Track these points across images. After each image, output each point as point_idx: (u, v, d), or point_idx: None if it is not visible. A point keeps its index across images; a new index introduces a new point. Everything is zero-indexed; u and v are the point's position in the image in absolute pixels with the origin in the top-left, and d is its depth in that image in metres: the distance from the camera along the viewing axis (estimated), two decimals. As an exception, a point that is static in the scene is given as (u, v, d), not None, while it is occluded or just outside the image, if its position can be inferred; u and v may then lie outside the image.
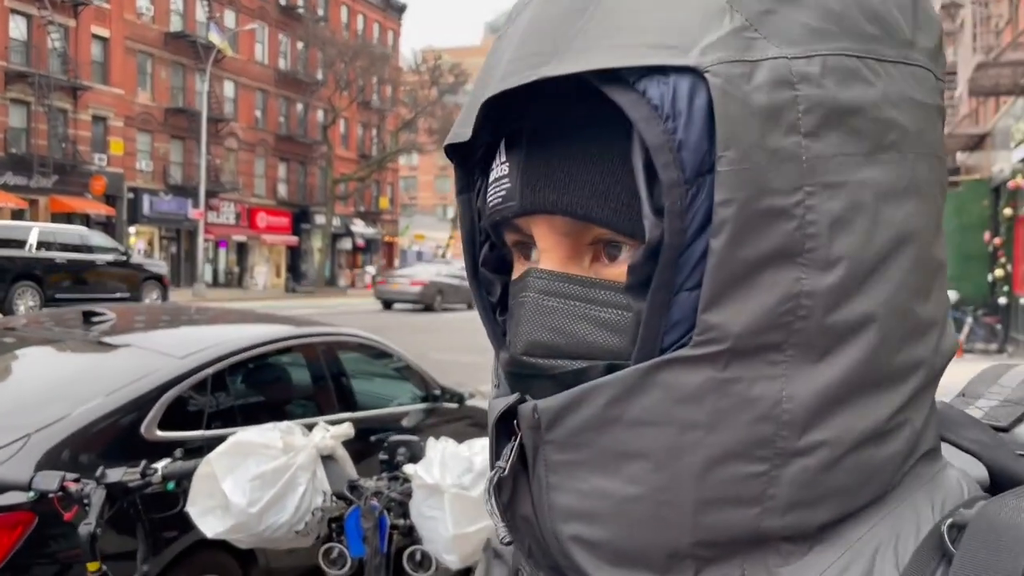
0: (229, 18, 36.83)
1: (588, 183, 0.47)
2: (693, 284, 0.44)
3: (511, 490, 0.50)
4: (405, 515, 2.12)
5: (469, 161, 0.55)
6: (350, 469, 2.19)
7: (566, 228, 0.49)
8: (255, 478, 1.96)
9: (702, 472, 0.44)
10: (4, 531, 2.65)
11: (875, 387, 0.46)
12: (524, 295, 0.50)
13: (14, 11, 28.03)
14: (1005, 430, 0.57)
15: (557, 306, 0.49)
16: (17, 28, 28.33)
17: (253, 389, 3.97)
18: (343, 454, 2.18)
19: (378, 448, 3.42)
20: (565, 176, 0.47)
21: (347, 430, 2.23)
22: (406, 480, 2.18)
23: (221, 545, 3.26)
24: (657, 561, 0.46)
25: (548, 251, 0.50)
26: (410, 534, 2.14)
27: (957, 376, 0.63)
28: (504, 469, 0.49)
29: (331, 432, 2.19)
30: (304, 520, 2.01)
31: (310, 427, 2.38)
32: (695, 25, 0.43)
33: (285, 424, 2.21)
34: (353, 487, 2.13)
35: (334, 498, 2.09)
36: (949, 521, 0.45)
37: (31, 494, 2.20)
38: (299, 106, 42.28)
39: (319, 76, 42.08)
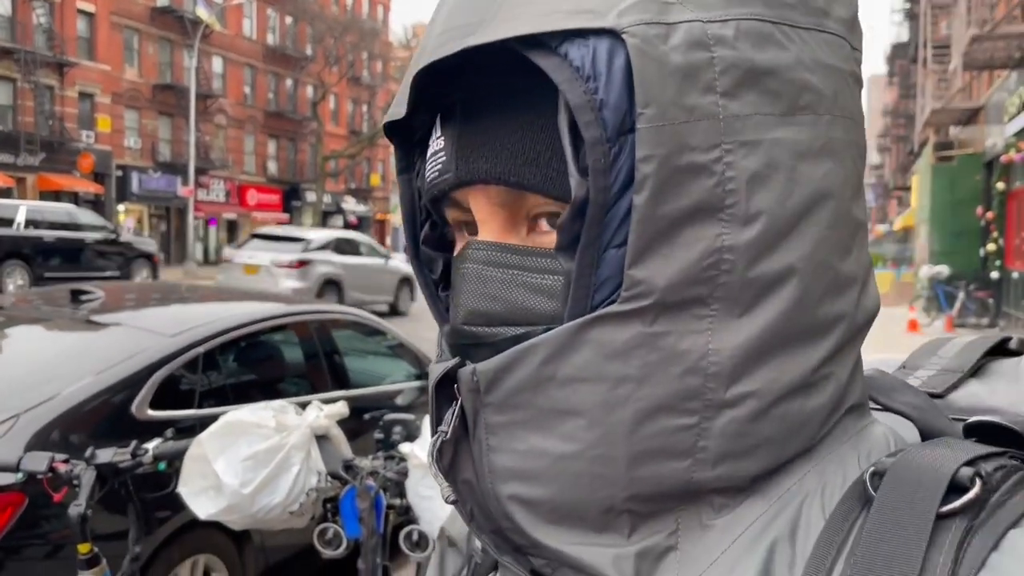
0: (216, -8, 36.39)
1: (521, 150, 0.48)
2: (620, 241, 0.45)
3: (452, 454, 0.51)
4: (401, 495, 2.09)
5: (409, 141, 0.56)
6: (345, 449, 2.16)
7: (501, 198, 0.50)
8: (248, 458, 1.93)
9: (634, 426, 0.45)
10: (-6, 512, 2.62)
11: (798, 339, 0.47)
12: (464, 266, 0.51)
13: (-3, -14, 27.62)
14: (940, 396, 0.59)
15: (495, 275, 0.50)
16: (1, 4, 27.93)
17: (245, 367, 3.93)
18: (338, 433, 2.15)
19: (372, 426, 3.40)
20: (498, 144, 0.49)
21: (341, 409, 2.20)
22: (402, 459, 2.15)
23: (215, 524, 3.24)
24: (594, 517, 0.47)
25: (485, 222, 0.51)
26: (406, 514, 2.12)
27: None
28: (447, 433, 0.50)
29: (325, 411, 2.16)
30: (299, 501, 1.98)
31: (304, 406, 2.36)
32: None
33: (278, 403, 2.18)
34: (348, 467, 2.10)
35: (329, 478, 2.06)
36: (871, 469, 0.47)
37: (20, 475, 2.17)
38: (288, 82, 41.94)
39: (308, 51, 41.70)
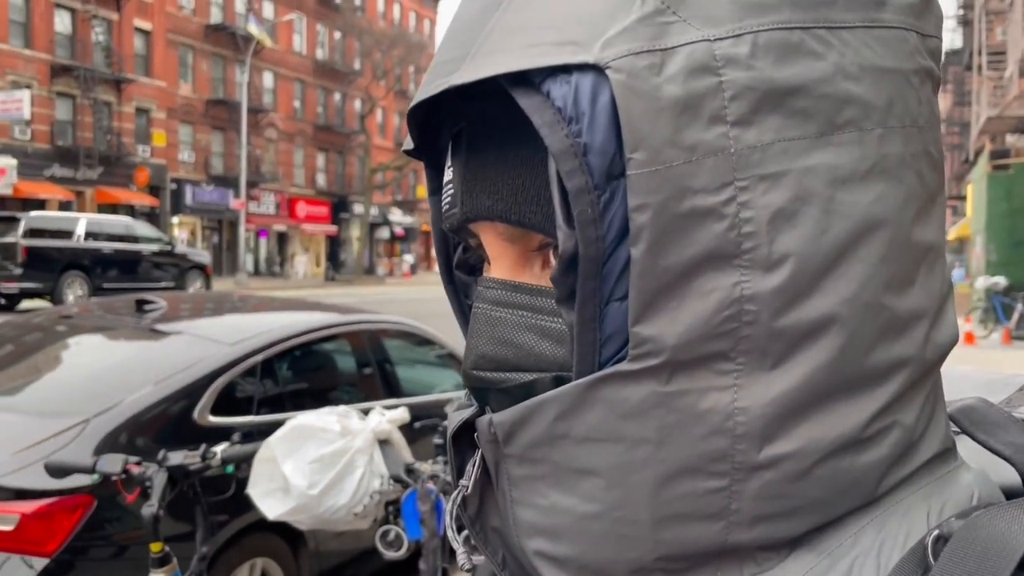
0: (267, 9, 37.16)
1: (521, 188, 0.45)
2: (621, 294, 0.41)
3: (478, 503, 0.50)
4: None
5: (439, 160, 0.52)
6: (406, 453, 2.22)
7: (509, 234, 0.47)
8: (314, 461, 2.00)
9: (656, 489, 0.42)
10: (65, 514, 2.73)
11: (845, 392, 0.42)
12: (476, 306, 0.49)
13: (59, 5, 28.53)
14: None
15: (505, 317, 0.47)
16: (62, 22, 28.85)
17: (300, 375, 4.03)
18: (399, 438, 2.21)
19: (422, 435, 3.46)
20: (500, 181, 0.45)
21: (403, 415, 2.26)
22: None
23: (272, 528, 3.33)
24: None
25: (496, 258, 0.48)
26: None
27: (1005, 364, 0.57)
28: (467, 487, 0.49)
29: (387, 416, 2.22)
30: (363, 503, 2.04)
31: (363, 412, 2.42)
32: (602, 15, 0.39)
33: (342, 408, 2.25)
34: (409, 470, 2.15)
35: (391, 481, 2.12)
36: (936, 532, 0.41)
37: (95, 477, 2.26)
38: (337, 96, 42.59)
39: (356, 66, 42.35)
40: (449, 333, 5.03)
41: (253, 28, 32.93)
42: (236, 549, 3.29)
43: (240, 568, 3.34)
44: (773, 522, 0.42)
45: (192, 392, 3.26)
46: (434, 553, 2.08)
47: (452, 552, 2.25)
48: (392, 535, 2.12)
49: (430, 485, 2.11)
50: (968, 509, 0.43)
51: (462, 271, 0.55)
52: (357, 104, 43.47)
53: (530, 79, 0.40)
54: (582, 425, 0.42)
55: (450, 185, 0.49)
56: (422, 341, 4.82)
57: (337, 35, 41.78)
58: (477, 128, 0.47)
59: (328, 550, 3.70)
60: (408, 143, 0.51)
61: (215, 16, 35.15)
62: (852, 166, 0.41)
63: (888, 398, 0.43)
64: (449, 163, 0.49)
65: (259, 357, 3.58)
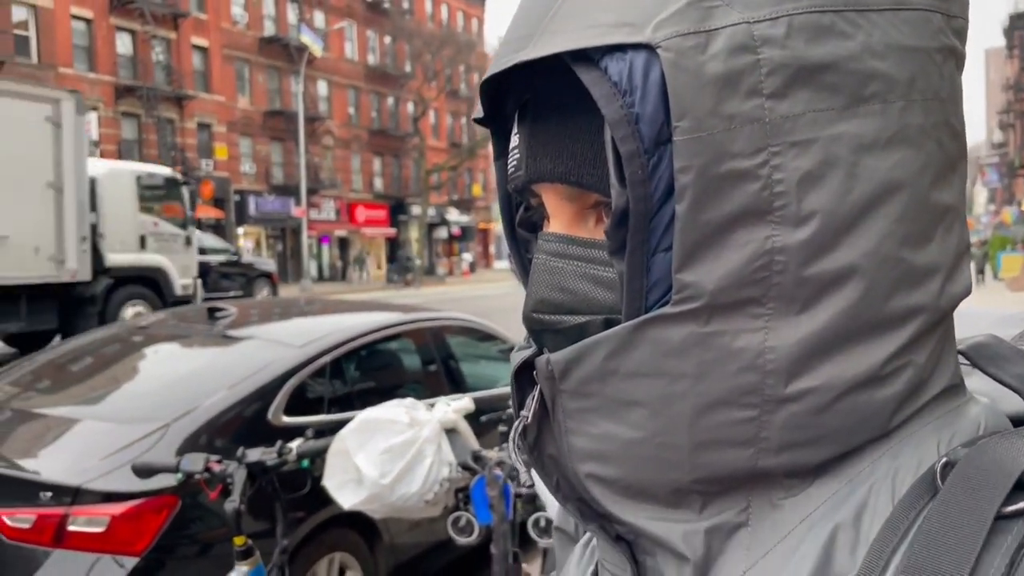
0: (319, 18, 37.75)
1: (580, 152, 0.50)
2: (667, 245, 0.46)
3: (536, 433, 0.55)
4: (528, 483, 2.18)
5: (504, 128, 0.58)
6: (472, 441, 2.27)
7: (567, 193, 0.52)
8: (385, 451, 2.06)
9: (693, 418, 0.47)
10: (152, 514, 2.85)
11: (865, 335, 0.46)
12: (537, 257, 0.54)
13: (119, 28, 29.48)
14: None
15: (562, 266, 0.52)
16: (123, 44, 29.81)
17: (367, 374, 4.11)
18: (465, 427, 2.26)
19: (488, 429, 3.51)
20: (560, 146, 0.51)
21: (468, 404, 2.32)
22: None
23: (348, 523, 3.42)
24: (664, 496, 0.50)
25: (555, 215, 0.54)
26: (533, 501, 2.20)
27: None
28: (527, 418, 0.54)
29: (453, 406, 2.27)
30: (433, 490, 2.10)
31: (431, 405, 2.48)
32: (654, 1, 0.44)
33: (409, 400, 2.31)
34: (477, 457, 2.20)
35: (459, 468, 2.17)
36: (944, 459, 0.45)
37: (179, 475, 2.37)
38: (390, 100, 43.02)
39: (407, 69, 42.68)
40: (510, 328, 5.08)
41: (306, 38, 33.50)
42: (314, 544, 3.38)
43: (319, 563, 3.43)
44: (798, 450, 0.47)
45: (265, 394, 3.37)
46: (504, 537, 2.12)
47: (523, 536, 2.30)
48: (463, 521, 2.17)
49: (497, 471, 2.15)
50: (975, 438, 0.48)
51: (524, 228, 0.61)
52: (410, 107, 43.85)
53: (590, 56, 0.46)
54: (630, 362, 0.47)
55: (516, 150, 0.55)
56: (484, 337, 4.87)
57: (387, 40, 42.21)
58: (541, 100, 0.52)
59: (403, 544, 3.77)
60: (478, 112, 0.57)
61: (268, 29, 35.85)
62: (875, 135, 0.45)
63: (903, 341, 0.47)
64: (515, 130, 0.55)
65: (327, 358, 3.67)
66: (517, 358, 0.55)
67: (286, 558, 2.44)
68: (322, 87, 38.65)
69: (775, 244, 0.44)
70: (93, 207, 12.06)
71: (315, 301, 5.76)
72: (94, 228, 12.06)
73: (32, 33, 26.82)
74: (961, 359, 0.54)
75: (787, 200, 0.44)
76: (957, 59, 0.50)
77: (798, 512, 0.48)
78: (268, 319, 4.53)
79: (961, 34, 0.50)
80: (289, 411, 3.41)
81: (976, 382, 0.54)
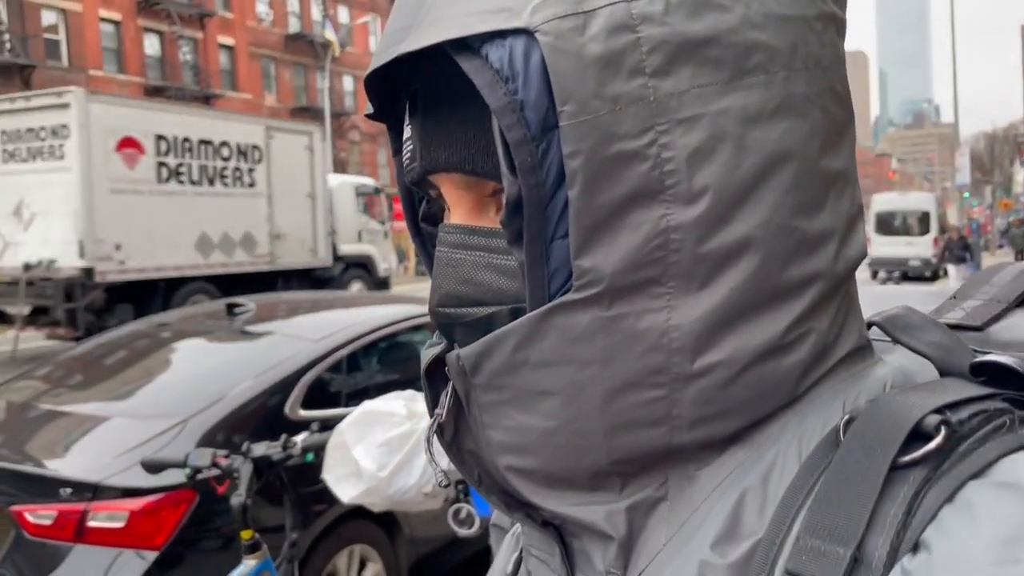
0: (343, 13, 37.89)
1: (471, 140, 0.49)
2: (563, 232, 0.46)
3: (453, 429, 0.54)
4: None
5: (400, 123, 0.57)
6: (473, 433, 2.27)
7: (464, 183, 0.52)
8: (383, 444, 2.06)
9: (605, 403, 0.47)
10: (170, 509, 2.89)
11: (765, 305, 0.47)
12: (438, 250, 0.53)
13: (147, 29, 29.84)
14: (979, 329, 0.55)
15: (464, 258, 0.52)
16: (151, 45, 30.17)
17: (385, 367, 4.12)
18: (465, 419, 2.26)
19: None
20: (453, 135, 0.50)
21: (467, 395, 2.31)
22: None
23: (367, 516, 3.43)
24: (583, 481, 0.50)
25: (454, 206, 0.53)
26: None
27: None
28: (442, 415, 0.53)
29: (452, 398, 2.27)
30: (431, 482, 2.10)
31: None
32: None
33: (408, 392, 2.31)
34: (476, 450, 2.19)
35: (459, 461, 2.17)
36: (847, 416, 0.46)
37: (187, 470, 2.39)
38: (415, 93, 43.08)
39: (432, 61, 42.66)
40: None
41: (329, 34, 33.65)
42: (334, 537, 3.40)
43: (339, 556, 3.46)
44: (709, 423, 0.48)
45: (282, 388, 3.39)
46: (504, 529, 2.12)
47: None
48: (463, 513, 2.17)
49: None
50: (878, 397, 0.48)
51: (427, 223, 0.61)
52: (435, 99, 43.88)
53: (471, 44, 0.45)
54: (537, 352, 0.47)
55: (409, 142, 0.54)
56: (503, 327, 4.86)
57: (411, 33, 42.26)
58: (430, 89, 0.51)
59: (423, 536, 3.79)
60: (369, 108, 0.56)
61: (293, 26, 36.06)
62: (760, 106, 0.45)
63: (803, 308, 0.48)
64: (407, 121, 0.54)
65: (344, 351, 3.69)
66: (427, 355, 0.55)
67: (297, 552, 2.45)
68: (348, 82, 38.82)
69: (669, 223, 0.44)
70: (331, 210, 16.11)
71: (334, 295, 5.78)
72: (332, 226, 16.10)
73: (62, 36, 27.23)
74: (876, 331, 0.55)
75: (678, 178, 0.44)
76: (837, 25, 0.50)
77: (712, 481, 0.49)
78: (286, 314, 4.56)
79: (840, 0, 0.50)
80: (306, 405, 3.43)
81: (899, 358, 0.54)
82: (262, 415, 3.32)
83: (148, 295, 12.15)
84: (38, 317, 11.64)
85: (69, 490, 2.83)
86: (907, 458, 0.42)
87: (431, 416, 0.55)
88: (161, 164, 12.50)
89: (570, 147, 0.43)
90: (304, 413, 3.40)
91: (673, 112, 0.44)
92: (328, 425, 2.56)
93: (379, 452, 2.05)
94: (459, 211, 0.53)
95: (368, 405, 2.20)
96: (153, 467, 2.46)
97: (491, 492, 0.56)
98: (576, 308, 0.46)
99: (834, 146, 0.49)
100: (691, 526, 0.49)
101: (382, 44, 0.50)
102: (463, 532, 2.14)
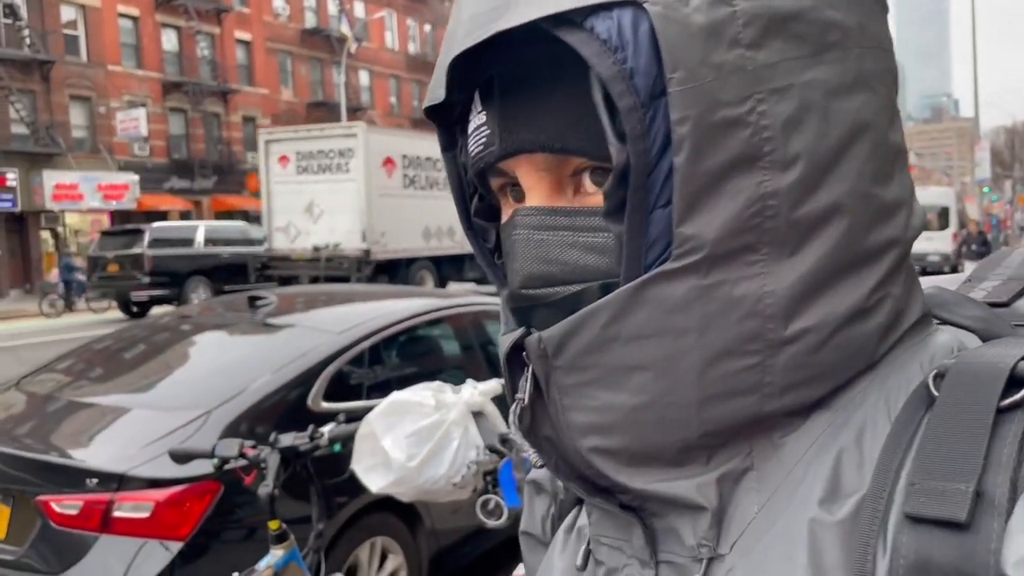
0: (359, 8, 37.94)
1: (560, 118, 0.50)
2: (665, 201, 0.47)
3: (531, 416, 0.54)
4: (557, 467, 2.16)
5: (449, 119, 0.58)
6: (500, 423, 2.26)
7: (546, 164, 0.52)
8: (411, 434, 2.06)
9: (700, 373, 0.47)
10: (195, 499, 2.90)
11: (851, 269, 0.48)
12: (515, 233, 0.53)
13: (165, 25, 30.00)
14: (1005, 305, 0.58)
15: (546, 238, 0.52)
16: (169, 41, 30.33)
17: (406, 360, 4.13)
18: (492, 409, 2.25)
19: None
20: (539, 114, 0.50)
21: (495, 386, 2.30)
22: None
23: (389, 508, 3.44)
24: (670, 456, 0.50)
25: (532, 188, 0.53)
26: (563, 485, 2.19)
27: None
28: (524, 400, 0.53)
29: (479, 389, 2.26)
30: (460, 473, 2.09)
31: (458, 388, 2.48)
32: None
33: (436, 383, 2.31)
34: (504, 440, 2.19)
35: (487, 451, 2.16)
36: (934, 372, 0.48)
37: (215, 461, 2.40)
38: (431, 88, 43.11)
39: (448, 56, 42.71)
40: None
41: (345, 29, 33.71)
42: (356, 529, 3.42)
43: (361, 547, 3.47)
44: (799, 390, 0.49)
45: (305, 380, 3.40)
46: (533, 520, 2.11)
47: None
48: (492, 504, 2.16)
49: (525, 454, 2.13)
50: (954, 356, 0.49)
51: (479, 218, 0.61)
52: (451, 94, 43.92)
53: (570, 19, 0.46)
54: (631, 325, 0.48)
55: (484, 127, 0.54)
56: (523, 321, 4.86)
57: (427, 28, 42.29)
58: (509, 73, 0.52)
59: (444, 528, 3.79)
60: (436, 98, 0.55)
61: (309, 20, 36.15)
62: (839, 80, 0.48)
63: (882, 273, 0.50)
64: (479, 110, 0.54)
65: (366, 344, 3.70)
66: (506, 341, 0.54)
67: (322, 542, 2.46)
68: (364, 77, 38.89)
69: (767, 189, 0.46)
70: None
71: (355, 288, 5.80)
72: None
73: (81, 32, 27.42)
74: None
75: (775, 145, 0.46)
76: (886, 11, 0.53)
77: (799, 447, 0.50)
78: (307, 307, 4.57)
79: None
80: (328, 397, 3.44)
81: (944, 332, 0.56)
82: (284, 407, 3.34)
83: (395, 269, 16.89)
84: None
85: (95, 480, 2.85)
86: (1008, 401, 0.44)
87: (511, 403, 0.55)
88: (405, 175, 17.53)
89: (679, 113, 0.45)
90: (326, 405, 3.41)
91: (768, 82, 0.46)
92: (353, 417, 2.57)
93: (408, 442, 2.05)
94: (538, 193, 0.53)
95: (396, 395, 2.20)
96: (181, 457, 2.47)
97: (569, 479, 0.55)
98: (674, 277, 0.46)
99: (895, 123, 0.52)
100: (786, 491, 0.49)
101: (468, 25, 0.50)
102: (491, 523, 2.14)
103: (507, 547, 4.06)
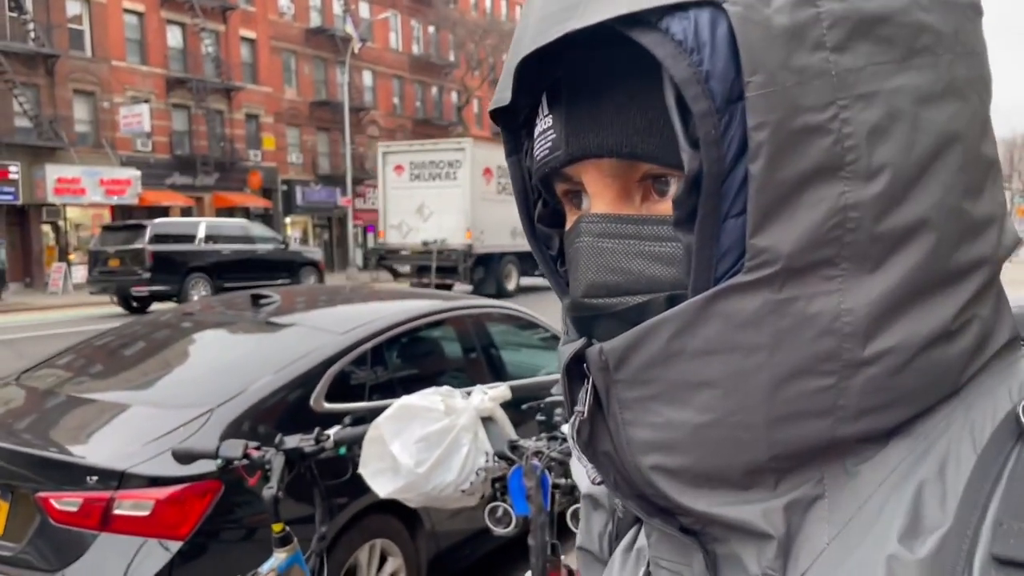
0: (363, 8, 37.93)
1: (629, 122, 0.48)
2: (738, 211, 0.44)
3: (589, 430, 0.52)
4: (566, 474, 2.14)
5: (514, 123, 0.57)
6: (509, 430, 2.24)
7: (613, 170, 0.50)
8: (420, 440, 2.04)
9: (771, 392, 0.45)
10: (196, 499, 2.88)
11: (936, 289, 0.46)
12: (579, 240, 0.52)
13: (170, 21, 29.98)
14: None
15: (612, 247, 0.50)
16: (173, 37, 30.30)
17: (409, 361, 4.11)
18: (502, 415, 2.23)
19: (529, 416, 3.48)
20: (607, 119, 0.49)
21: (504, 392, 2.28)
22: (564, 440, 2.20)
23: (389, 510, 3.42)
24: (736, 478, 0.48)
25: (598, 195, 0.51)
26: (572, 493, 2.17)
27: None
28: (583, 413, 0.51)
29: (489, 394, 2.24)
30: (469, 479, 2.07)
31: (468, 393, 2.45)
32: None
33: (445, 388, 2.28)
34: (514, 447, 2.17)
35: (496, 458, 2.14)
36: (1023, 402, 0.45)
37: (219, 461, 2.38)
38: (434, 89, 43.12)
39: (451, 58, 42.75)
40: (552, 316, 5.07)
41: (349, 29, 33.70)
42: (356, 531, 3.40)
43: (360, 549, 3.45)
44: (876, 414, 0.46)
45: (307, 380, 3.38)
46: (542, 528, 2.09)
47: (561, 527, 2.27)
48: (500, 512, 2.14)
49: (535, 461, 2.11)
50: None
51: (543, 224, 0.59)
52: (453, 96, 43.93)
53: (644, 20, 0.44)
54: (698, 339, 0.45)
55: (550, 131, 0.52)
56: (526, 324, 4.85)
57: (431, 29, 42.28)
58: (577, 75, 0.50)
59: (444, 531, 3.77)
60: (502, 100, 0.53)
61: (314, 20, 36.14)
62: (930, 87, 0.45)
63: (970, 294, 0.47)
64: (545, 113, 0.53)
65: (369, 345, 3.68)
66: (566, 351, 0.52)
67: (325, 545, 2.44)
68: (367, 77, 38.87)
69: (848, 200, 0.43)
70: None
71: (359, 289, 5.78)
72: None
73: (86, 27, 27.39)
74: None
75: (858, 154, 0.43)
76: (981, 16, 0.50)
77: (875, 476, 0.47)
78: (311, 306, 4.55)
79: None
80: (331, 398, 3.42)
81: None
82: (287, 407, 3.32)
83: (489, 262, 20.17)
84: (425, 274, 19.77)
85: (95, 478, 2.83)
86: None
87: (570, 416, 0.53)
88: (499, 182, 20.43)
89: (757, 118, 0.42)
90: (328, 406, 3.39)
91: (852, 88, 0.43)
92: (359, 419, 2.55)
93: (417, 448, 2.03)
94: (604, 199, 0.51)
95: (405, 400, 2.18)
96: (184, 457, 2.45)
97: (628, 497, 0.53)
98: (746, 291, 0.44)
99: (987, 134, 0.49)
100: (861, 523, 0.46)
101: (539, 25, 0.48)
102: (500, 531, 2.12)
103: (506, 550, 4.04)
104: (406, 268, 20.95)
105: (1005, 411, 0.46)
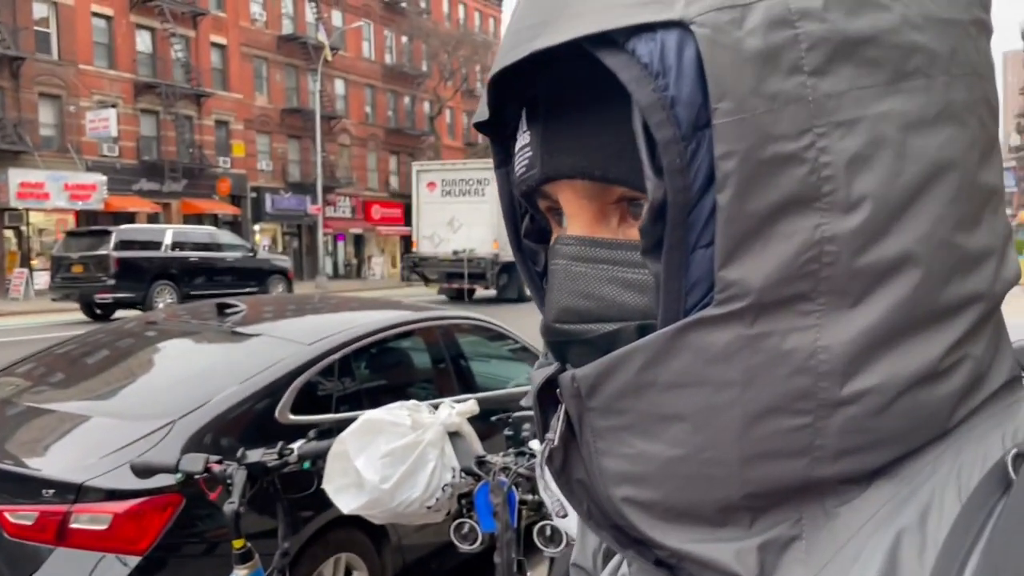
0: (336, 17, 37.82)
1: (603, 144, 0.46)
2: (707, 241, 0.43)
3: (563, 457, 0.51)
4: (533, 490, 2.12)
5: (503, 135, 0.55)
6: (477, 445, 2.21)
7: (588, 191, 0.48)
8: (386, 455, 2.00)
9: (743, 429, 0.43)
10: (155, 512, 2.82)
11: (922, 326, 0.43)
12: (555, 263, 0.50)
13: (139, 26, 29.65)
14: None
15: (585, 271, 0.49)
16: (143, 42, 29.97)
17: (377, 373, 4.07)
18: (469, 430, 2.21)
19: (498, 428, 3.46)
20: (581, 139, 0.47)
21: (472, 407, 2.26)
22: (532, 456, 2.18)
23: (354, 523, 3.37)
24: (708, 514, 0.46)
25: (574, 216, 0.50)
26: (539, 509, 2.14)
27: None
28: (554, 440, 0.50)
29: (457, 409, 2.22)
30: (435, 496, 2.04)
31: (435, 407, 2.43)
32: None
33: (412, 402, 2.25)
34: (481, 463, 2.14)
35: (463, 474, 2.12)
36: (1015, 450, 0.42)
37: (179, 476, 2.32)
38: (406, 99, 43.08)
39: (424, 68, 42.76)
40: (522, 328, 5.05)
41: (321, 37, 33.57)
42: (320, 545, 3.35)
43: (325, 563, 3.39)
44: (856, 456, 0.44)
45: (273, 392, 3.33)
46: (508, 545, 2.07)
47: (528, 544, 2.25)
48: (466, 528, 2.11)
49: (502, 477, 2.09)
50: None
51: (530, 239, 0.57)
52: (426, 106, 43.91)
53: (613, 39, 0.42)
54: (668, 372, 0.44)
55: (527, 148, 0.51)
56: (495, 336, 4.83)
57: (404, 39, 42.27)
58: (554, 93, 0.49)
59: (410, 544, 3.73)
60: (482, 114, 0.52)
61: (286, 27, 35.96)
62: (921, 112, 0.42)
63: (961, 332, 0.44)
64: (524, 129, 0.51)
65: (336, 356, 3.63)
66: (539, 376, 0.51)
67: (287, 561, 2.39)
68: (339, 86, 38.73)
69: (824, 233, 0.41)
70: None
71: (327, 298, 5.72)
72: None
73: (53, 30, 27.00)
74: None
75: (836, 185, 0.41)
76: (987, 33, 0.47)
77: (856, 519, 0.45)
78: (278, 316, 4.50)
79: (987, 7, 0.47)
80: (296, 409, 3.37)
81: None
82: (252, 418, 3.26)
83: (512, 270, 20.69)
84: (455, 280, 22.25)
85: (51, 491, 2.76)
86: None
87: (541, 442, 0.51)
88: None
89: (724, 147, 0.40)
90: (294, 418, 3.34)
91: (831, 114, 0.41)
92: (323, 432, 2.51)
93: (382, 463, 2.00)
94: (579, 221, 0.49)
95: (371, 414, 2.14)
96: (143, 471, 2.39)
97: (601, 527, 0.52)
98: (716, 324, 0.42)
99: (989, 160, 0.46)
100: (837, 568, 0.44)
101: (510, 42, 0.47)
102: (465, 548, 2.09)
103: (473, 564, 4.00)
104: (437, 275, 23.19)
105: (995, 459, 0.43)
